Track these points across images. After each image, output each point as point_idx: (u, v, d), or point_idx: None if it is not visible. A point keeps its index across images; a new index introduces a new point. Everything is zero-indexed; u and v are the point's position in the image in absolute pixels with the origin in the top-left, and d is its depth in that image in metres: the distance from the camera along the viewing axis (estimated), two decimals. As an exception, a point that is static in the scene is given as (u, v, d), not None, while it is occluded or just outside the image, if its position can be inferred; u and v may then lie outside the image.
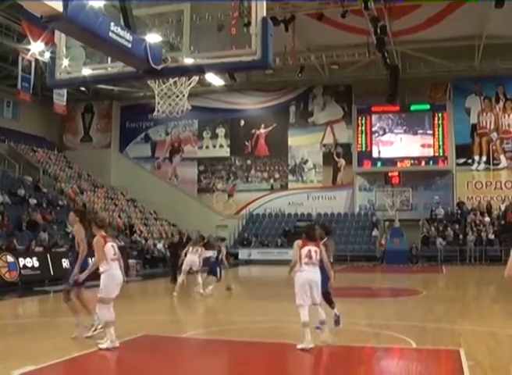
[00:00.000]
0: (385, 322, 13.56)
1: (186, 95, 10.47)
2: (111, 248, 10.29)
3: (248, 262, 39.87)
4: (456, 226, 39.78)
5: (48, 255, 25.01)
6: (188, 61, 8.80)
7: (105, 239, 10.37)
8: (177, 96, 10.38)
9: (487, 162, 42.77)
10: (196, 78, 10.39)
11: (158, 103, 10.47)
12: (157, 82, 10.36)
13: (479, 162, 42.91)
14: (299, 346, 10.19)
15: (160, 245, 36.16)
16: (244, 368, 9.74)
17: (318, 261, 10.64)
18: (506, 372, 8.91)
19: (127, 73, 9.08)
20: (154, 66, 8.45)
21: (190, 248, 20.28)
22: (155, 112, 10.67)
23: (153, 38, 8.61)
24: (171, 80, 10.28)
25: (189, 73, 9.57)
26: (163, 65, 8.61)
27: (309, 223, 11.06)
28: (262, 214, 45.42)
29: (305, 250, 10.61)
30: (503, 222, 39.49)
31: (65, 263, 24.52)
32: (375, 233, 41.14)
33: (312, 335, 10.22)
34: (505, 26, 32.94)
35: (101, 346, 9.93)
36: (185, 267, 19.86)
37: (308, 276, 10.49)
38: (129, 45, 8.01)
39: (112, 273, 10.17)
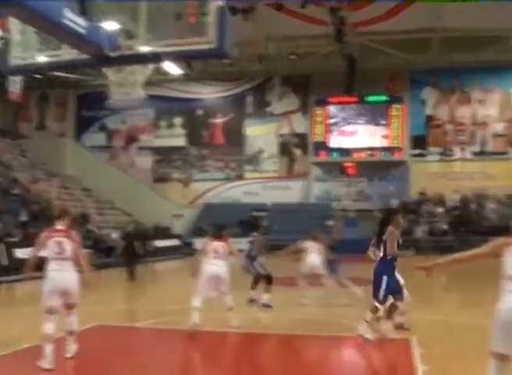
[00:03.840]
0: (339, 310, 13.66)
1: (142, 84, 10.40)
2: (55, 244, 8.73)
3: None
4: (411, 217, 40.20)
5: (2, 245, 24.62)
6: (145, 49, 8.75)
7: (50, 233, 8.88)
8: (133, 84, 10.30)
9: (442, 153, 43.32)
10: (152, 66, 10.33)
11: (113, 91, 10.36)
12: (112, 70, 10.25)
13: (434, 154, 43.42)
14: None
15: (115, 235, 35.80)
16: (199, 358, 9.76)
17: (225, 255, 11.48)
18: (457, 359, 9.08)
19: (82, 60, 9.01)
20: (109, 53, 8.38)
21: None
22: (110, 100, 10.56)
23: (109, 25, 8.53)
24: (127, 68, 10.19)
25: (145, 60, 9.52)
26: (119, 52, 8.54)
27: (217, 224, 11.86)
28: (218, 204, 45.33)
29: (213, 245, 11.51)
30: (456, 212, 40.02)
31: (19, 253, 24.24)
32: (330, 223, 41.30)
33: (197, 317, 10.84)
34: (462, 18, 33.20)
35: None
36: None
37: (214, 269, 11.31)
38: (84, 32, 7.94)
39: (47, 276, 8.70)
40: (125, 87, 10.25)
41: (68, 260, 8.71)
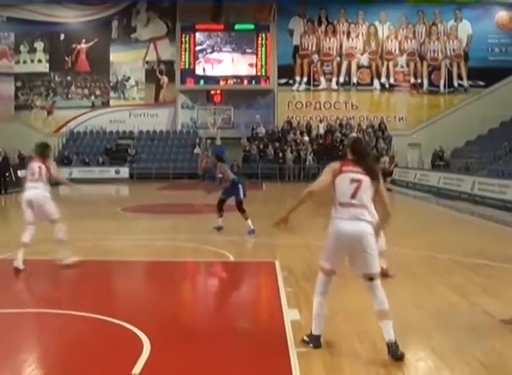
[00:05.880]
0: (205, 237, 13.75)
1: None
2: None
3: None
4: (277, 145, 40.78)
5: None
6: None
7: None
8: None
9: (308, 83, 43.94)
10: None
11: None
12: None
13: (300, 83, 44.02)
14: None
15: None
16: (62, 286, 9.64)
17: (45, 177, 10.06)
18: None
19: None
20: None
21: None
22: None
23: None
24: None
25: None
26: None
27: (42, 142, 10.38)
28: (83, 132, 44.38)
29: (31, 166, 10.20)
30: (321, 141, 40.94)
31: None
32: (196, 150, 41.33)
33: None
34: None
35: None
36: None
37: (29, 193, 10.07)
38: None
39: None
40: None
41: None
